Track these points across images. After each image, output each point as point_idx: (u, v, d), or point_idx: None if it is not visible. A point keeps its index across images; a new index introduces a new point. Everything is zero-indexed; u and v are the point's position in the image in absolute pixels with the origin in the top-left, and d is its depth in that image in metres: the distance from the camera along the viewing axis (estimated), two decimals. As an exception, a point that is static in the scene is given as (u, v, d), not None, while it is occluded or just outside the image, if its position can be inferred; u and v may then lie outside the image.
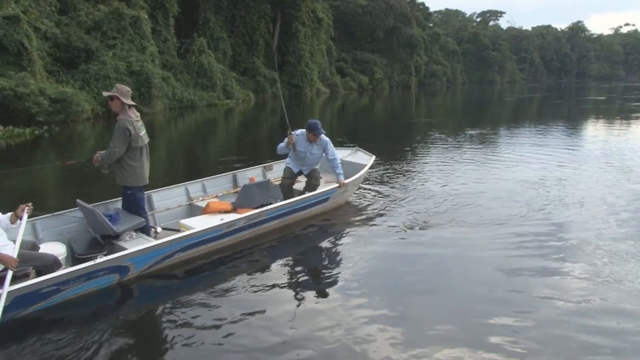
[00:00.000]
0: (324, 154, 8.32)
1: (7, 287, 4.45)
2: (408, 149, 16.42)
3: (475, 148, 16.37)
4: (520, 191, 9.88)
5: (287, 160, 8.44)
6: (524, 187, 10.24)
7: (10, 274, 4.56)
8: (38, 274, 4.98)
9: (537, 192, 9.76)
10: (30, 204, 5.27)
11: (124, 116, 5.96)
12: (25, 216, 5.14)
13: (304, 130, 8.18)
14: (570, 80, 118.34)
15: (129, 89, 6.16)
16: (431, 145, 17.04)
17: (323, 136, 8.20)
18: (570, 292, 5.41)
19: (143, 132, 6.15)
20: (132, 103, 6.10)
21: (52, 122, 19.74)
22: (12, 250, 4.73)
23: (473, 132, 21.26)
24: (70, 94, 20.51)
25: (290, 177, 8.23)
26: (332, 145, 8.31)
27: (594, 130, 22.55)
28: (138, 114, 6.22)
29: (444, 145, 16.86)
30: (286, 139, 8.19)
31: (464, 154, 14.88)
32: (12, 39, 19.85)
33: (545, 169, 12.20)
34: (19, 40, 19.99)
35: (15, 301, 4.60)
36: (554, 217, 8.12)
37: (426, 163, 13.46)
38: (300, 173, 8.33)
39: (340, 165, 8.26)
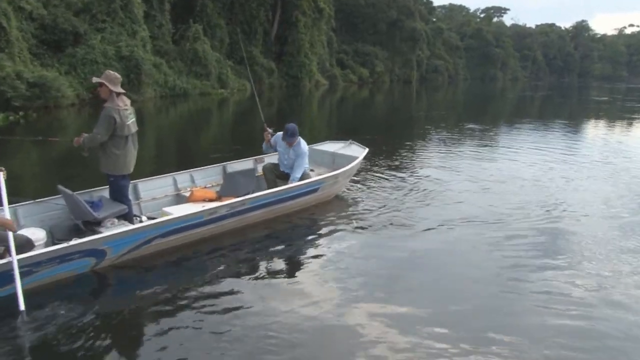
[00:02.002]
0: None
1: (15, 255, 4.53)
2: (407, 143, 15.89)
3: (474, 144, 15.93)
4: (517, 189, 9.66)
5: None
6: (521, 183, 10.05)
7: (11, 236, 4.59)
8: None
9: (535, 190, 9.52)
10: (3, 168, 5.23)
11: (111, 104, 5.86)
12: (2, 181, 5.14)
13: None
14: (572, 80, 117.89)
15: (118, 76, 6.04)
16: (430, 141, 16.71)
17: (302, 144, 7.82)
18: (572, 290, 5.31)
19: (131, 121, 6.05)
20: (121, 91, 5.99)
21: (30, 108, 18.67)
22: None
23: (473, 128, 20.79)
24: (50, 78, 19.45)
25: (275, 167, 8.02)
26: (305, 158, 7.79)
27: (595, 130, 22.17)
28: (128, 101, 6.13)
29: (442, 141, 16.46)
30: (286, 147, 7.88)
31: (463, 150, 14.48)
32: (-12, 19, 18.69)
33: (545, 167, 11.90)
34: (-5, 19, 18.82)
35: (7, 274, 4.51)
36: (552, 216, 7.88)
37: (424, 158, 13.09)
38: (286, 175, 7.87)
39: (297, 178, 7.62)
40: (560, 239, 6.87)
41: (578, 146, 16.01)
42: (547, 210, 8.11)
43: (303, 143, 7.85)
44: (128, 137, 6.06)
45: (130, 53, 25.31)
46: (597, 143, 17.12)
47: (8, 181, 5.37)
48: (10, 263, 4.51)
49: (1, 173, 5.16)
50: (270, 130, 8.01)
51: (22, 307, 4.31)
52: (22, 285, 4.51)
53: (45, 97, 19.24)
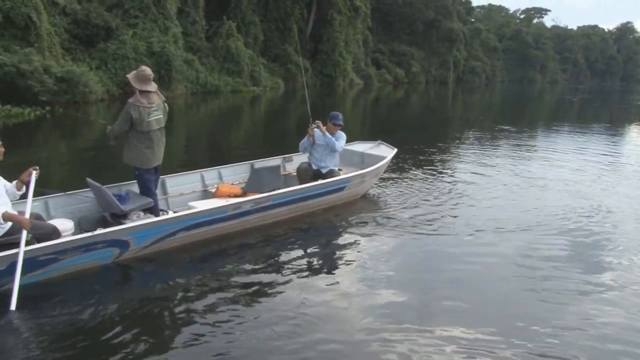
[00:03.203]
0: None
1: (24, 247, 4.57)
2: (440, 145, 15.33)
3: (508, 147, 15.22)
4: (552, 193, 9.22)
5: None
6: (557, 188, 9.60)
7: (24, 234, 4.65)
8: (39, 243, 4.93)
9: (571, 195, 9.02)
10: (37, 167, 5.32)
11: (133, 100, 6.00)
12: (33, 179, 5.23)
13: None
14: (614, 83, 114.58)
15: (148, 74, 6.11)
16: (464, 143, 16.15)
17: (341, 132, 7.92)
18: (602, 301, 4.97)
19: (153, 118, 6.11)
20: (149, 89, 6.10)
21: (57, 103, 18.39)
22: (23, 214, 4.88)
23: (509, 130, 20.09)
24: (77, 73, 19.15)
25: (309, 167, 7.88)
26: (344, 140, 8.00)
27: (637, 135, 21.18)
28: (156, 98, 6.19)
29: (476, 143, 15.88)
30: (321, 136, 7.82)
31: (497, 153, 13.88)
32: (19, 12, 18.52)
33: (583, 172, 11.31)
34: (27, 13, 18.64)
35: (13, 266, 4.55)
36: (588, 224, 7.35)
37: (456, 161, 12.66)
38: (318, 173, 7.82)
39: (340, 145, 7.85)
40: (598, 247, 6.48)
41: (616, 151, 15.25)
42: (587, 217, 7.67)
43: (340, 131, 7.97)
44: (150, 133, 6.13)
45: (161, 49, 25.03)
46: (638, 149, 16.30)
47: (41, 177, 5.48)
48: (31, 250, 4.68)
49: (34, 172, 5.28)
50: (314, 125, 7.82)
51: (13, 306, 4.33)
52: (48, 272, 4.89)
53: (73, 92, 18.95)
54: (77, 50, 23.23)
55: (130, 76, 6.11)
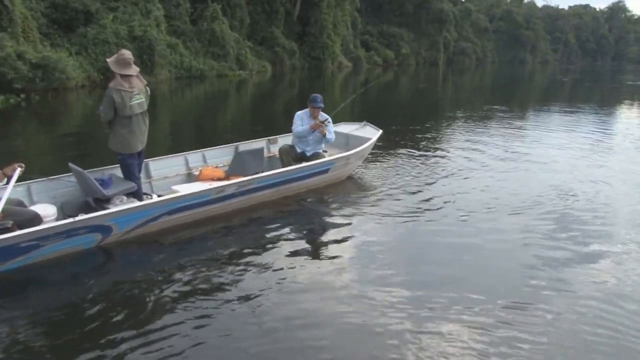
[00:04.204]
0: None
1: None
2: (429, 126, 15.36)
3: (499, 130, 15.03)
4: (542, 173, 9.33)
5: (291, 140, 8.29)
6: (546, 172, 9.52)
7: None
8: (20, 229, 4.92)
9: (559, 178, 9.03)
10: (22, 164, 5.40)
11: (113, 84, 5.97)
12: (15, 176, 5.28)
13: (306, 109, 8.03)
14: (606, 63, 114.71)
15: (127, 57, 6.06)
16: (453, 125, 16.09)
17: (323, 113, 8.00)
18: (596, 281, 5.04)
19: (136, 102, 6.08)
20: (129, 73, 6.06)
21: (33, 90, 17.87)
22: None
23: (498, 110, 20.13)
24: (53, 59, 18.56)
25: (291, 149, 8.02)
26: (331, 124, 8.09)
27: (629, 115, 21.24)
28: (137, 82, 6.16)
29: (466, 125, 15.92)
30: (310, 121, 7.90)
31: (487, 135, 13.74)
32: (-12, -5, 17.83)
33: (573, 152, 11.48)
34: (-3, -3, 17.96)
35: None
36: (579, 205, 7.43)
37: (444, 142, 12.59)
38: (303, 155, 7.96)
39: (333, 137, 8.10)
40: (588, 224, 6.63)
41: (605, 131, 15.35)
42: (575, 195, 7.82)
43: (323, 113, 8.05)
44: (132, 117, 6.12)
45: (143, 33, 24.41)
46: (629, 128, 16.38)
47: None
48: (12, 237, 4.69)
49: (19, 169, 5.35)
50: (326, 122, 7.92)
51: None
52: (30, 258, 4.93)
53: (49, 79, 18.40)
54: (56, 35, 22.57)
55: (110, 60, 6.08)
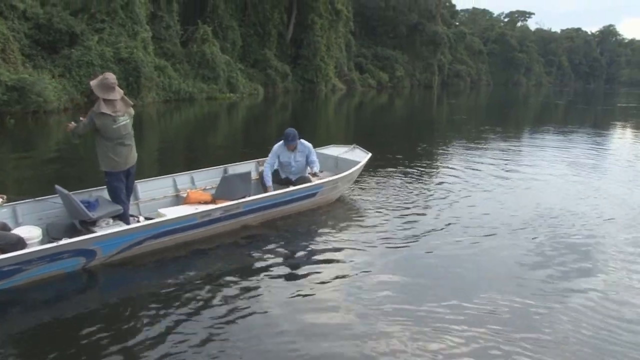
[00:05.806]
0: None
1: None
2: (422, 148, 15.45)
3: (492, 152, 14.95)
4: (537, 194, 9.38)
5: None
6: (542, 188, 9.82)
7: None
8: (3, 253, 4.91)
9: (557, 196, 9.19)
10: (4, 196, 5.53)
11: (96, 108, 5.92)
12: None
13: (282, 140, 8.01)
14: (599, 86, 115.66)
15: (109, 82, 5.95)
16: (447, 146, 16.06)
17: (304, 142, 8.07)
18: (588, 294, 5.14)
19: (120, 124, 6.05)
20: (108, 97, 5.94)
21: (9, 114, 17.02)
22: None
23: (493, 132, 20.21)
24: (29, 81, 17.74)
25: (275, 174, 8.06)
26: (314, 153, 8.17)
27: (622, 137, 21.41)
28: (120, 106, 6.08)
29: (460, 148, 15.77)
30: (289, 154, 8.05)
31: (479, 155, 13.88)
32: (-37, 16, 17.08)
33: (567, 174, 11.54)
34: (-28, 17, 17.21)
35: None
36: (567, 225, 7.46)
37: (439, 165, 12.55)
38: (288, 180, 8.01)
39: (319, 168, 8.14)
40: (584, 248, 6.56)
41: (601, 153, 15.44)
42: (570, 217, 7.80)
43: (305, 141, 8.08)
44: (115, 140, 6.07)
45: (129, 55, 23.70)
46: (622, 150, 16.31)
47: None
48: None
49: (0, 199, 5.45)
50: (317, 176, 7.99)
51: None
52: (14, 282, 4.89)
53: (25, 101, 17.59)
54: (39, 56, 21.79)
55: (93, 84, 5.98)
